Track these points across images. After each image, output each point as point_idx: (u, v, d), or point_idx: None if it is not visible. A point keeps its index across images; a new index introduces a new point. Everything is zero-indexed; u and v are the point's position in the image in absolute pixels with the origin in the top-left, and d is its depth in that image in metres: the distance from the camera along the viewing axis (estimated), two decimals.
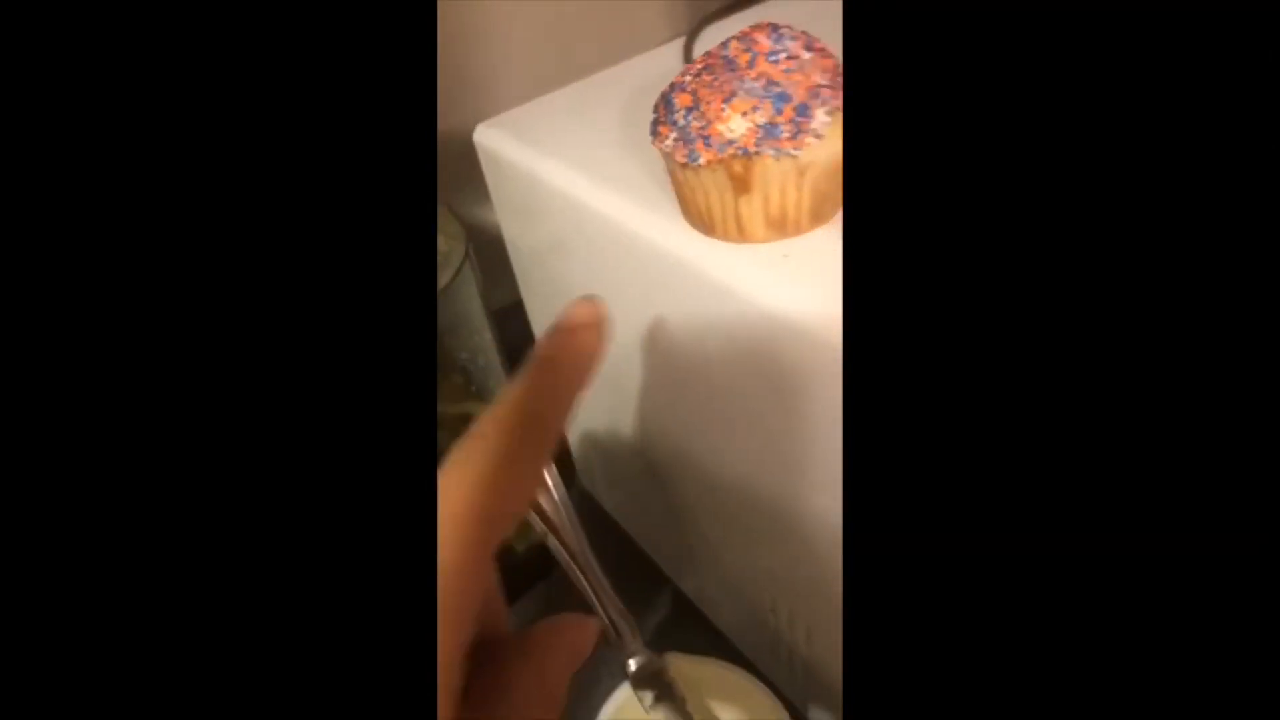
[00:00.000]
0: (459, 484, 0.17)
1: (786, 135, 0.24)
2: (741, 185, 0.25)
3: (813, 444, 0.27)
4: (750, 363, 0.28)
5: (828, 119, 0.24)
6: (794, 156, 0.24)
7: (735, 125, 0.24)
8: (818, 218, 0.26)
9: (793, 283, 0.25)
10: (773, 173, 0.24)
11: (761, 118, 0.24)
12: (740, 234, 0.27)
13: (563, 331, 0.20)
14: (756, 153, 0.24)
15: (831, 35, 0.31)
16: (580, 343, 0.20)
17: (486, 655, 0.20)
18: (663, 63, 0.41)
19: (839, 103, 0.24)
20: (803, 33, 0.25)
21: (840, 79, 0.25)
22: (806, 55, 0.24)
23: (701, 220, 0.27)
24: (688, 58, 0.39)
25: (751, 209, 0.26)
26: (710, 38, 0.41)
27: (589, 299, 0.21)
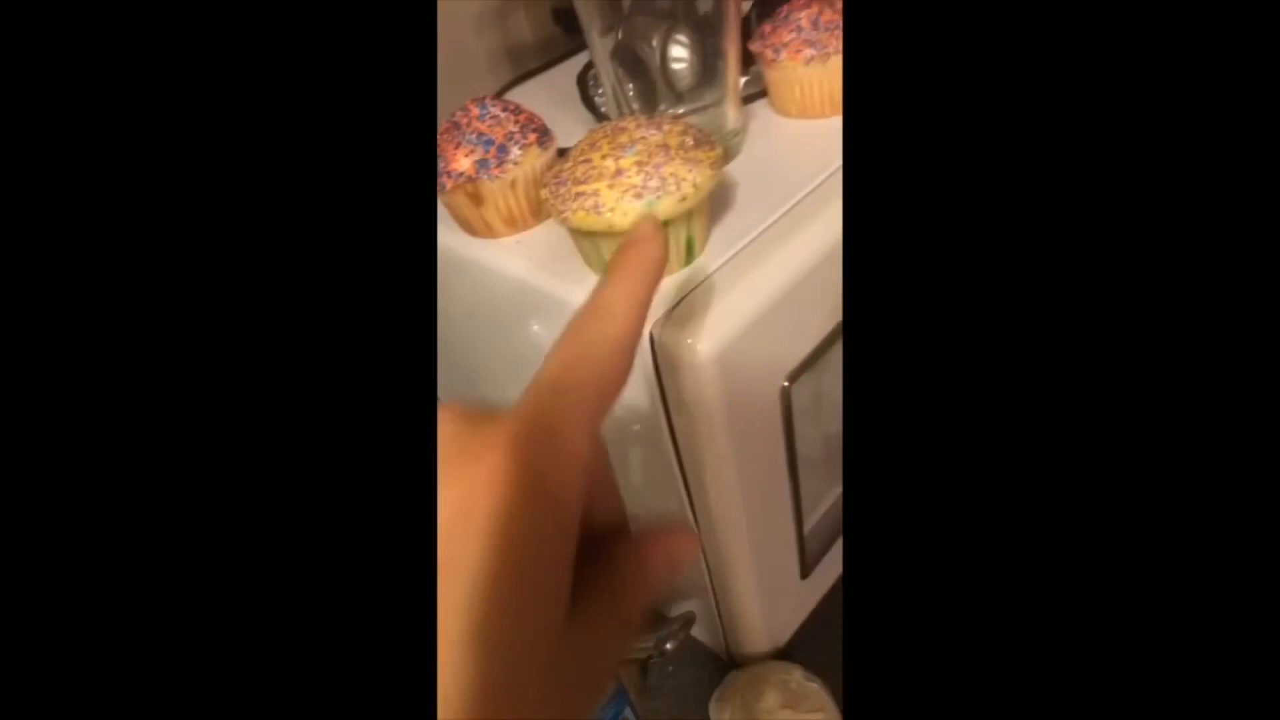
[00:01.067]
0: (585, 373, 0.19)
1: (495, 165, 0.38)
2: (477, 200, 0.39)
3: None
4: (513, 319, 0.41)
5: (520, 152, 0.38)
6: (500, 178, 0.38)
7: (463, 163, 0.38)
8: (538, 216, 0.40)
9: (529, 261, 0.39)
10: (493, 190, 0.38)
11: (477, 157, 0.37)
12: (491, 232, 0.40)
13: (632, 243, 0.22)
14: (478, 178, 0.38)
15: (547, 102, 0.45)
16: (646, 251, 0.22)
17: (597, 549, 0.20)
18: None
19: (527, 141, 0.38)
20: (500, 100, 0.39)
21: (531, 124, 0.39)
22: (503, 114, 0.38)
23: (468, 228, 0.41)
24: None
25: (490, 215, 0.39)
26: (514, 96, 0.56)
27: (647, 219, 0.25)
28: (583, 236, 0.34)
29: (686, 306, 0.33)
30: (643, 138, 0.32)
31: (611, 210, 0.31)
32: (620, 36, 0.43)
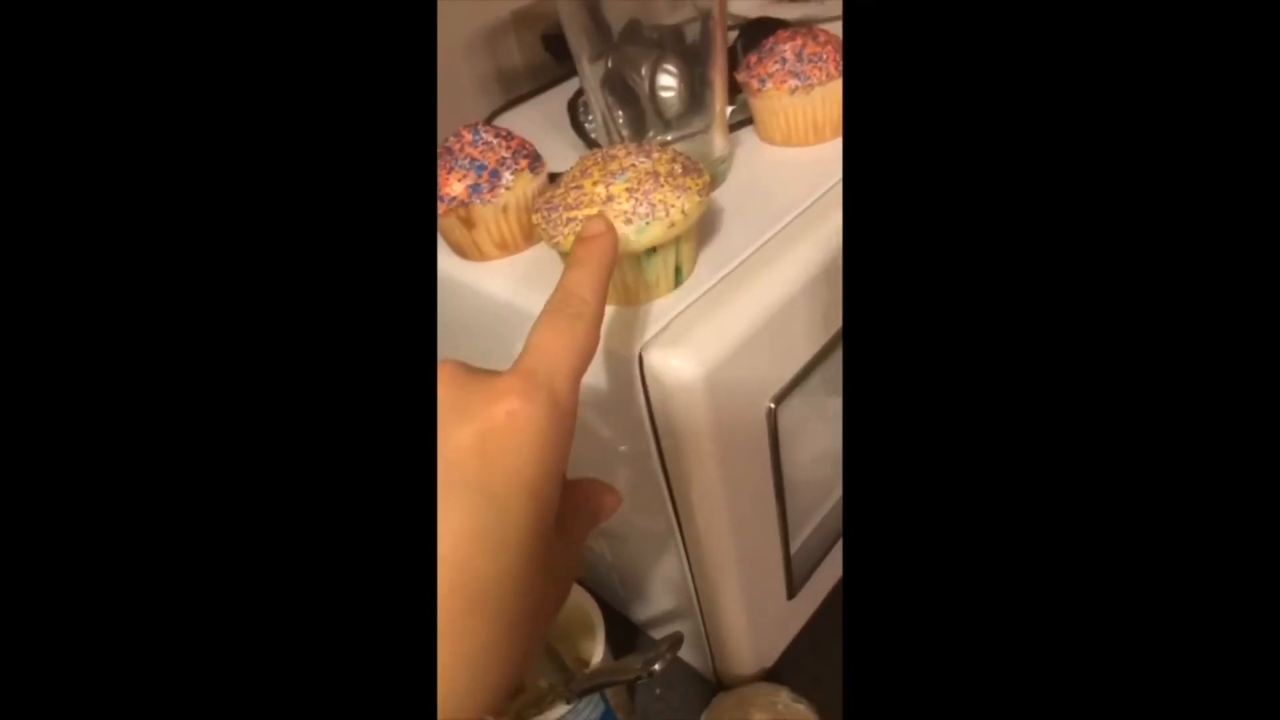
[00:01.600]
0: (567, 342, 0.24)
1: (487, 190, 0.38)
2: (468, 224, 0.39)
3: None
4: (502, 339, 0.42)
5: (512, 177, 0.39)
6: (492, 202, 0.38)
7: (455, 187, 0.38)
8: (529, 239, 0.41)
9: (519, 283, 0.40)
10: (485, 214, 0.39)
11: (469, 181, 0.38)
12: (482, 255, 0.41)
13: (587, 239, 0.28)
14: (470, 203, 0.38)
15: (537, 127, 0.46)
16: (602, 244, 0.28)
17: None
18: None
19: (519, 166, 0.39)
20: (492, 126, 0.40)
21: (523, 150, 0.40)
22: (495, 140, 0.39)
23: (459, 251, 0.42)
24: None
25: (481, 238, 0.40)
26: (504, 121, 0.56)
27: (598, 217, 0.30)
28: None
29: (674, 329, 0.34)
30: (633, 165, 0.33)
31: None
32: (610, 64, 0.44)
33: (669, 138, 0.45)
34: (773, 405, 0.37)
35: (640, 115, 0.45)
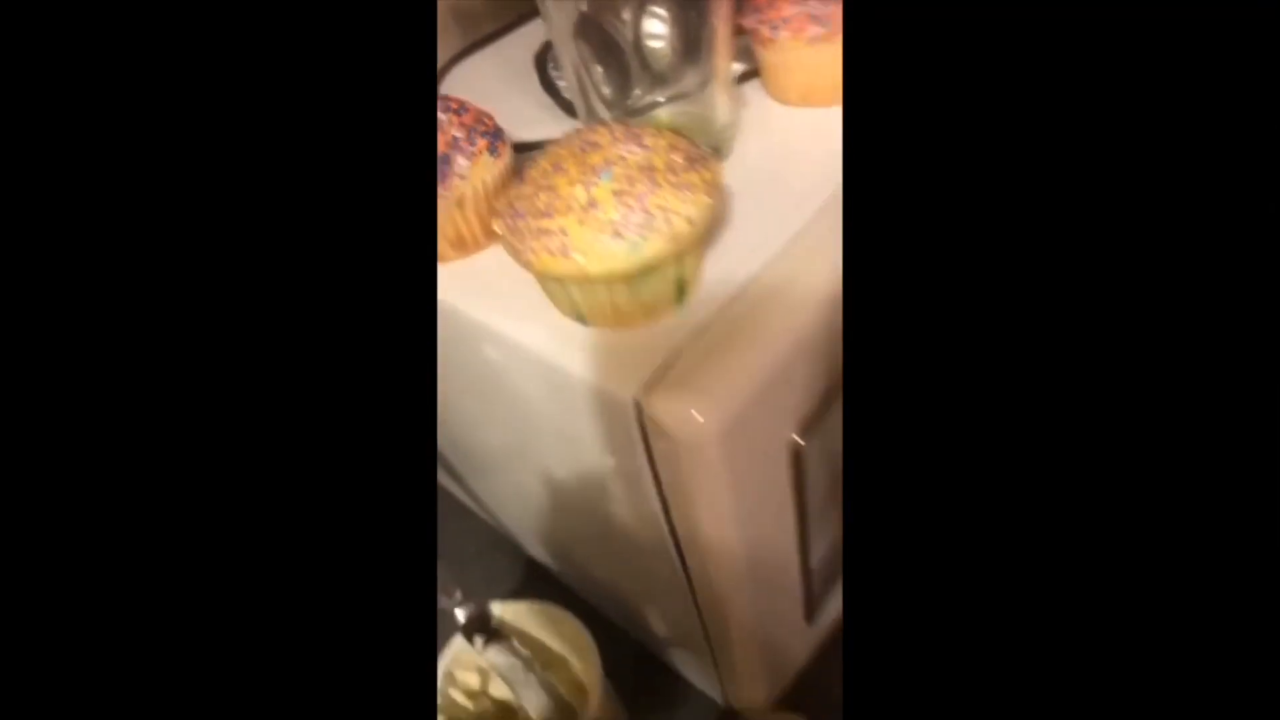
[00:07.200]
0: None
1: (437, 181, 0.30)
2: None
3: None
4: (463, 357, 0.35)
5: (466, 163, 0.31)
6: (445, 197, 0.31)
7: None
8: (491, 236, 0.33)
9: (479, 291, 0.32)
10: (438, 209, 0.31)
11: None
12: (438, 256, 0.33)
13: None
14: None
15: (498, 81, 0.37)
16: None
17: None
18: None
19: (475, 148, 0.31)
20: (441, 96, 0.32)
21: (479, 126, 0.32)
22: (444, 116, 0.31)
23: None
24: None
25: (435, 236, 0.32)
26: (462, 73, 0.48)
27: None
28: (550, 278, 0.28)
29: (681, 367, 0.27)
30: (621, 158, 0.25)
31: (584, 253, 0.25)
32: (585, 7, 0.36)
33: (660, 99, 0.37)
34: (799, 439, 0.31)
35: (623, 70, 0.37)
